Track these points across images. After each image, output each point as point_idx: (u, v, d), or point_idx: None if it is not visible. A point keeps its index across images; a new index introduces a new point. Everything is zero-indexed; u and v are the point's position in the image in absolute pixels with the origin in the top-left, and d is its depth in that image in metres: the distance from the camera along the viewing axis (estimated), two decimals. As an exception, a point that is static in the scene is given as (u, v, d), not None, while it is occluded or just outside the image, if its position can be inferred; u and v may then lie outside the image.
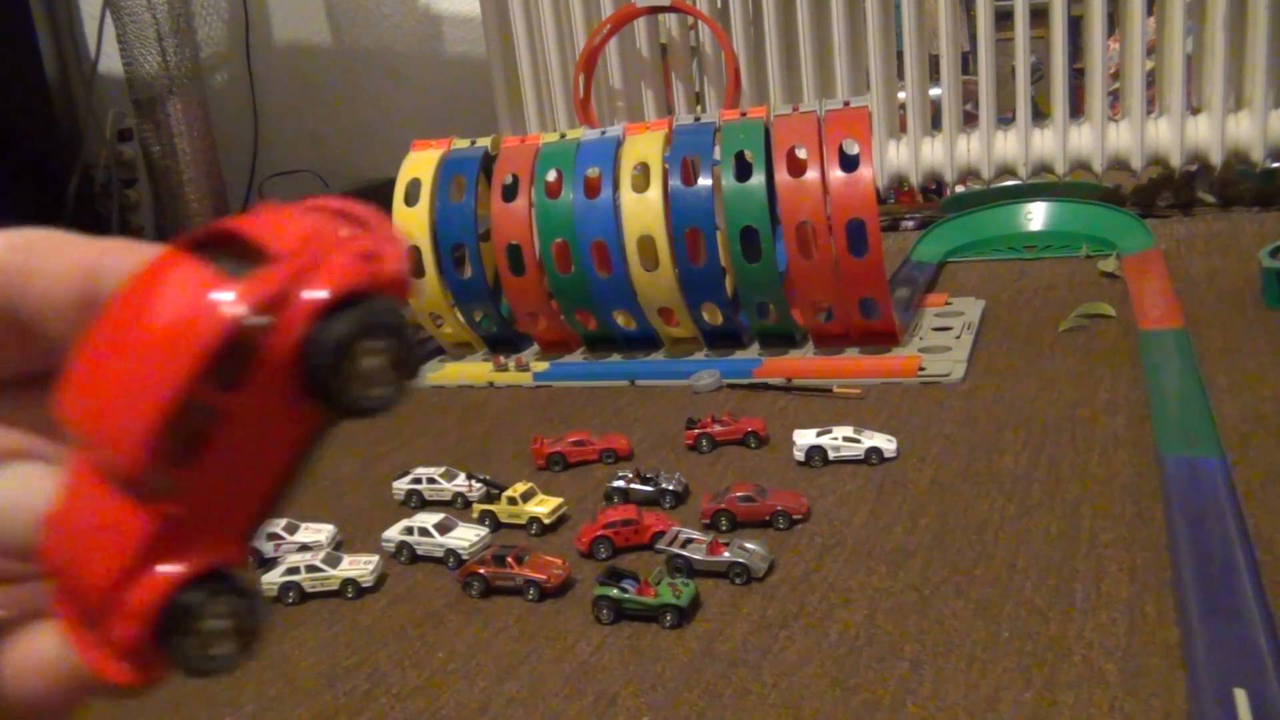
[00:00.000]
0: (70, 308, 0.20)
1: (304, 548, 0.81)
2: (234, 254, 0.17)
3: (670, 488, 0.83)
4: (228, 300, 0.16)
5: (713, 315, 1.20)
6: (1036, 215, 1.57)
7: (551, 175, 1.21)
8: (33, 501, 0.19)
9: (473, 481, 0.89)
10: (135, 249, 0.20)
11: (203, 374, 0.16)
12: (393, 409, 0.17)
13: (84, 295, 0.20)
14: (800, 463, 0.87)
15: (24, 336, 0.20)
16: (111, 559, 0.17)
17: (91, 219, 2.11)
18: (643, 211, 1.15)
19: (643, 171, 1.16)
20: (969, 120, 1.73)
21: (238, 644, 0.18)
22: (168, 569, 0.17)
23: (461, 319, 1.31)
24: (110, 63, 2.15)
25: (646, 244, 1.15)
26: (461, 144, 1.30)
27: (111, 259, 0.20)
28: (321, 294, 0.17)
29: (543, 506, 0.83)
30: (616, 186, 1.17)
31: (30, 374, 0.22)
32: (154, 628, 0.17)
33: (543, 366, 1.24)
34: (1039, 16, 1.65)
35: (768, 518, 0.77)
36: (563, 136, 1.26)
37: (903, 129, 1.75)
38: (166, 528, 0.17)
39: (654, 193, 1.15)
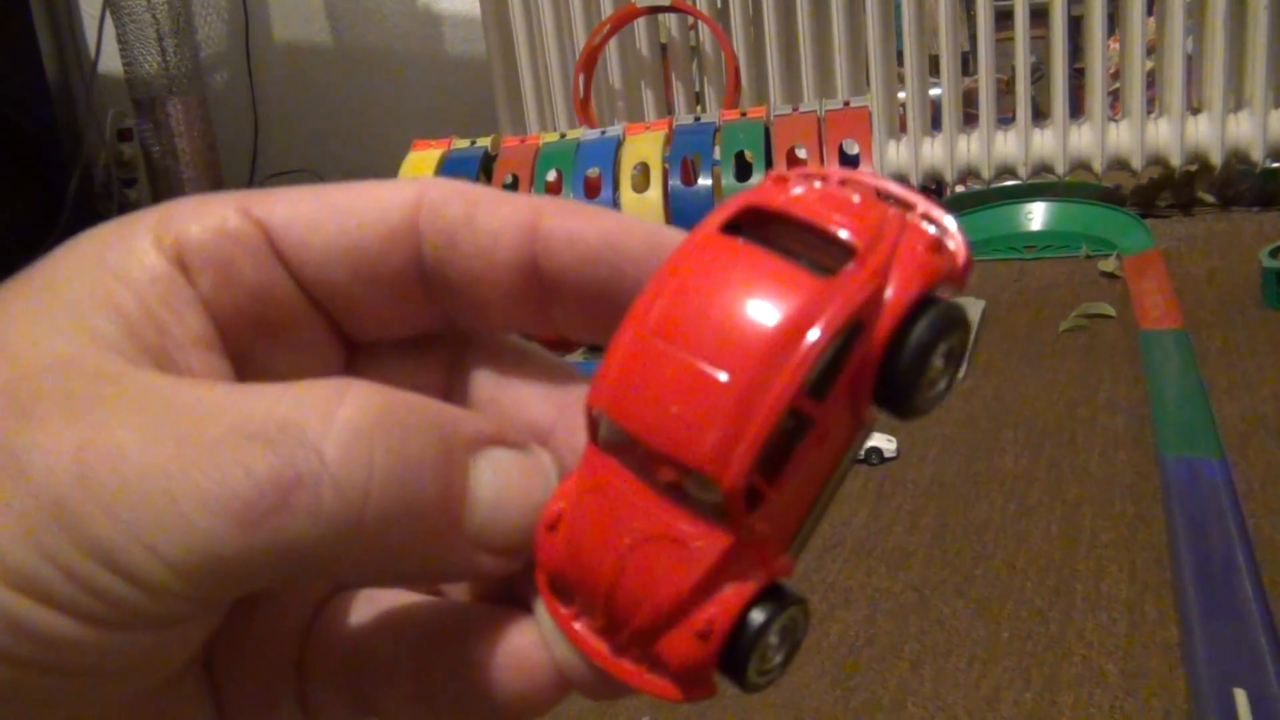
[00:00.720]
0: (508, 269, 0.18)
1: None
2: (789, 239, 0.16)
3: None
4: (832, 303, 0.15)
5: (713, 315, 1.20)
6: (1036, 215, 1.57)
7: (551, 175, 1.21)
8: (521, 496, 0.17)
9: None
10: (576, 210, 0.18)
11: (805, 384, 0.15)
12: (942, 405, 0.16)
13: (524, 258, 0.18)
14: (800, 463, 0.87)
15: (439, 292, 0.19)
16: (676, 575, 0.16)
17: (91, 219, 2.11)
18: (643, 211, 1.15)
19: (643, 171, 1.16)
20: (969, 120, 1.73)
21: (788, 654, 0.17)
22: (737, 586, 0.16)
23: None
24: (110, 63, 2.15)
25: (646, 244, 1.15)
26: (461, 144, 1.30)
27: (552, 221, 0.18)
28: (910, 296, 0.15)
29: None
30: (616, 186, 1.17)
31: (417, 335, 0.20)
32: (719, 651, 0.16)
33: (543, 366, 1.24)
34: (1039, 16, 1.65)
35: (768, 518, 0.77)
36: (563, 136, 1.26)
37: (903, 129, 1.75)
38: (741, 543, 0.16)
39: (654, 193, 1.15)
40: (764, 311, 0.15)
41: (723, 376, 0.15)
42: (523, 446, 0.18)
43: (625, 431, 0.16)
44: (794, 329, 0.15)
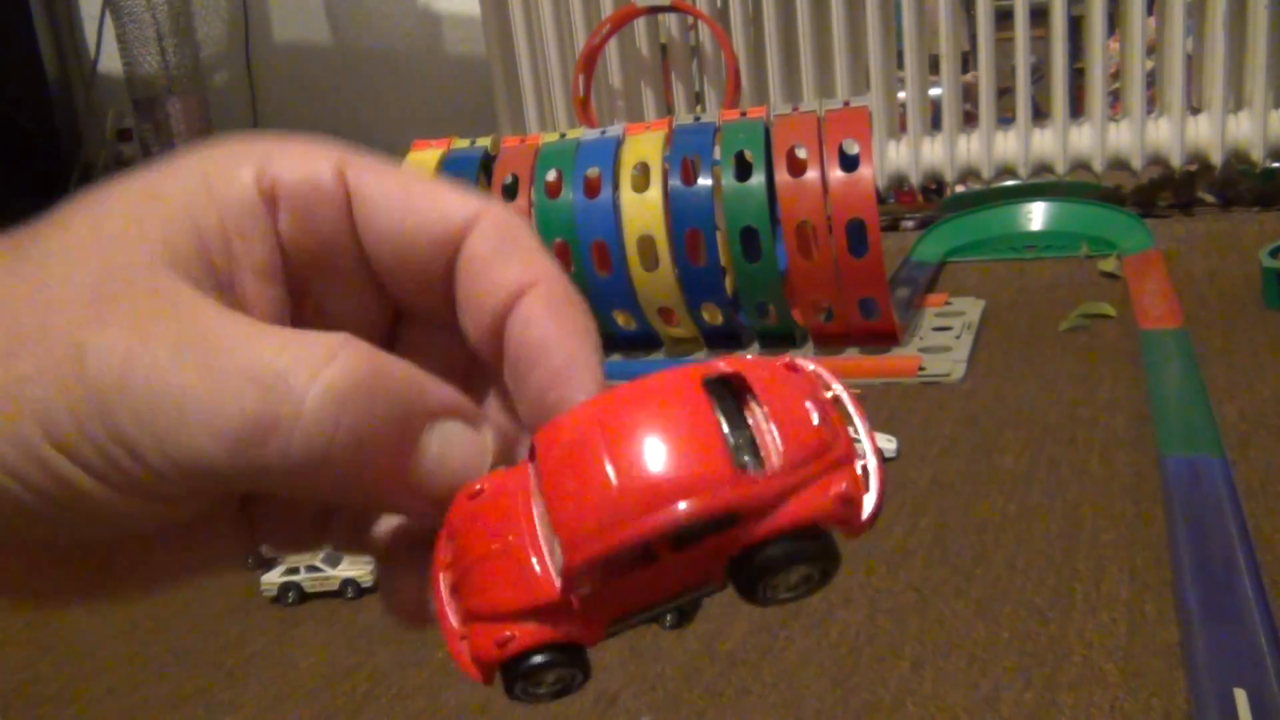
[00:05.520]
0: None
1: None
2: (743, 419, 0.19)
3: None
4: (719, 492, 0.18)
5: (713, 315, 1.20)
6: (1036, 215, 1.57)
7: (551, 175, 1.21)
8: (458, 463, 0.21)
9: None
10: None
11: (667, 533, 0.18)
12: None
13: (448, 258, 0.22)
14: (800, 463, 0.87)
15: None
16: (510, 591, 0.19)
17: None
18: (643, 211, 1.15)
19: (643, 171, 1.16)
20: (969, 120, 1.73)
21: (553, 694, 0.21)
22: (543, 627, 0.20)
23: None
24: (110, 63, 2.15)
25: (646, 244, 1.15)
26: (461, 144, 1.30)
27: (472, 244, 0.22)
28: (787, 521, 0.18)
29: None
30: (616, 186, 1.17)
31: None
32: (502, 661, 0.20)
33: (543, 366, 1.24)
34: (1039, 16, 1.65)
35: (768, 518, 0.77)
36: (563, 136, 1.26)
37: (903, 129, 1.75)
38: (557, 606, 0.19)
39: (654, 193, 1.15)
40: (673, 462, 0.18)
41: (615, 484, 0.18)
42: (475, 424, 0.21)
43: (541, 482, 0.19)
44: (681, 491, 0.18)
